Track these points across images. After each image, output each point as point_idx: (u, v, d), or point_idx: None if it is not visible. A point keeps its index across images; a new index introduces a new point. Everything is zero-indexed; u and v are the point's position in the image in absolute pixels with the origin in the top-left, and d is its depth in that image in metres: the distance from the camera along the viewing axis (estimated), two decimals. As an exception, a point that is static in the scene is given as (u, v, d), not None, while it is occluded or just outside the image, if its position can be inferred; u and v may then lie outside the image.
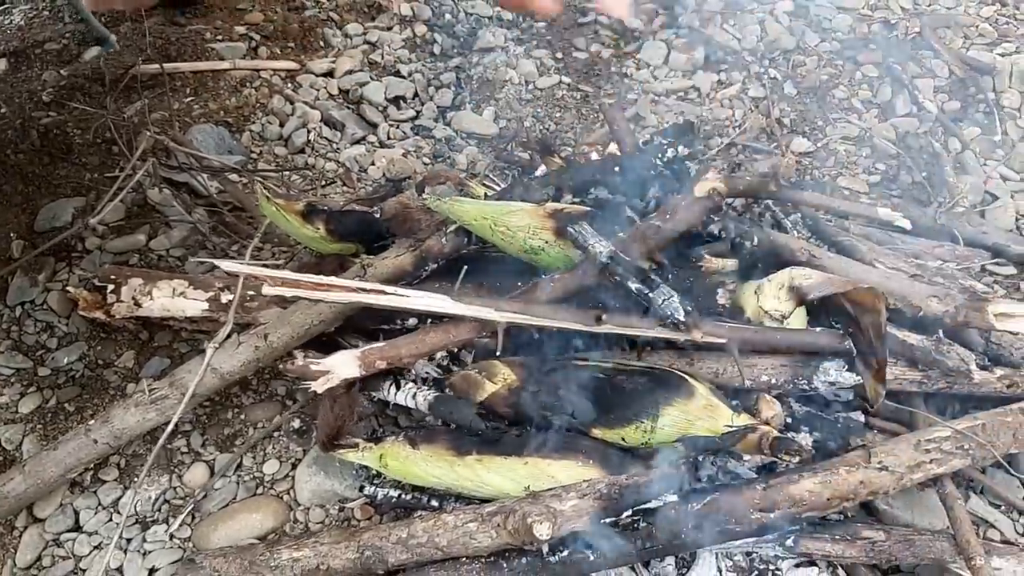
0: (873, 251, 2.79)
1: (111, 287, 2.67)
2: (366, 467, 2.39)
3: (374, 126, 3.97)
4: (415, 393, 2.42)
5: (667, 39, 4.45)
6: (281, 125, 3.86)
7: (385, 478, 2.36)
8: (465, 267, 2.50)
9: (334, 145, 3.84)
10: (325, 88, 4.09)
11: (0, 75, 3.97)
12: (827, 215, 3.06)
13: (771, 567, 2.19)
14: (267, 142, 3.80)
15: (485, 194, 2.82)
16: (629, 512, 2.01)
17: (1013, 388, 2.35)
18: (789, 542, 2.11)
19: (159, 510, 2.48)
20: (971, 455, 2.15)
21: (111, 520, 2.46)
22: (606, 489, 2.01)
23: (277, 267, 2.84)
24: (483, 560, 2.05)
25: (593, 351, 2.43)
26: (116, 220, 3.25)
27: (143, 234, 3.19)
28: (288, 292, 2.17)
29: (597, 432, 2.22)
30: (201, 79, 3.97)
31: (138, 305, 2.64)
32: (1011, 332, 2.33)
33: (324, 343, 2.54)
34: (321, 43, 4.41)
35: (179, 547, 2.38)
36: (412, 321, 2.49)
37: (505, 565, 2.03)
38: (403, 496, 2.33)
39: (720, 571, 2.17)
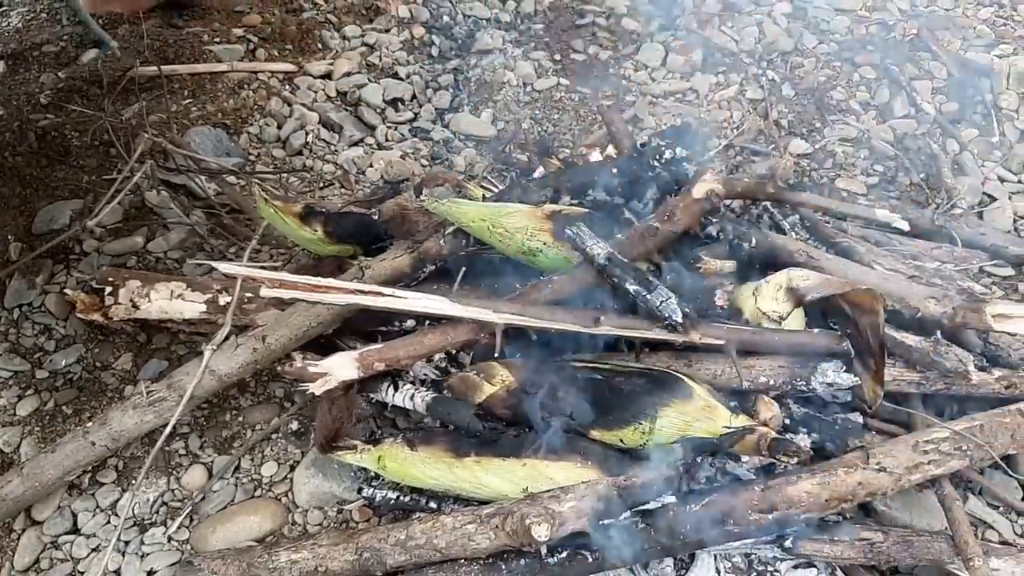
0: (871, 252, 2.80)
1: (109, 289, 2.67)
2: (364, 469, 2.39)
3: (372, 128, 3.97)
4: (413, 395, 2.42)
5: (665, 41, 4.46)
6: (279, 127, 3.87)
7: (383, 480, 2.36)
8: (463, 269, 2.50)
9: (332, 147, 3.84)
10: (323, 90, 4.09)
11: (-2, 77, 3.97)
12: (825, 216, 3.07)
13: (770, 568, 2.19)
14: (265, 144, 3.80)
15: (483, 196, 2.83)
16: (628, 513, 2.01)
17: (1011, 389, 2.35)
18: (788, 543, 2.11)
19: (157, 512, 2.48)
20: (969, 456, 2.15)
21: (109, 522, 2.46)
22: (604, 490, 2.01)
23: (275, 269, 2.84)
24: (481, 562, 2.04)
25: (591, 352, 2.43)
26: (114, 222, 3.25)
27: (141, 236, 3.19)
28: (286, 294, 2.18)
29: (595, 433, 2.22)
30: (199, 81, 3.97)
31: (136, 307, 2.64)
32: (1009, 333, 2.33)
33: (322, 345, 2.54)
34: (319, 45, 4.42)
35: (177, 549, 2.38)
36: (410, 323, 2.49)
37: (504, 567, 2.03)
38: (401, 498, 2.33)
39: (719, 572, 2.17)
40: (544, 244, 2.40)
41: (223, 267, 2.22)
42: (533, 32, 4.64)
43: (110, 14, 4.33)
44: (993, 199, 3.38)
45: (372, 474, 2.39)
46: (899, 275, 2.63)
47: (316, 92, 4.06)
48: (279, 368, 2.49)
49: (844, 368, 2.25)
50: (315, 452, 2.47)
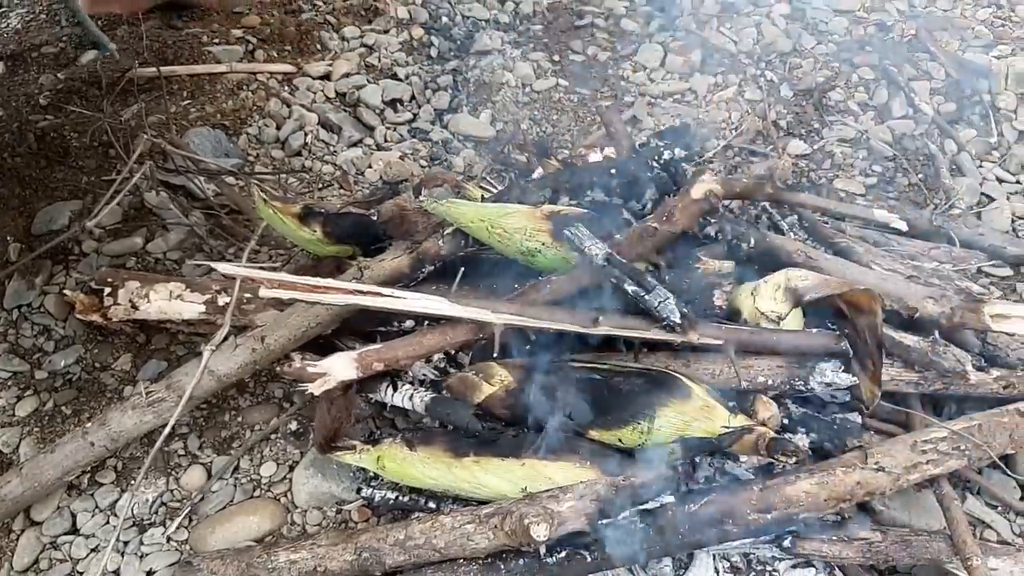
0: (869, 253, 2.80)
1: (108, 290, 2.67)
2: (363, 469, 2.39)
3: (371, 129, 3.98)
4: (412, 395, 2.42)
5: (663, 42, 4.46)
6: (278, 128, 3.87)
7: (382, 480, 2.36)
8: (462, 269, 2.50)
9: (331, 148, 3.84)
10: (322, 91, 4.10)
11: (-3, 78, 3.98)
12: (824, 217, 3.07)
13: (768, 568, 2.19)
14: (264, 145, 3.81)
15: (482, 196, 2.83)
16: (626, 513, 2.01)
17: (1009, 389, 2.36)
18: (786, 543, 2.12)
19: (156, 513, 2.48)
20: (967, 456, 2.15)
21: (108, 523, 2.46)
22: (603, 490, 2.01)
23: (274, 270, 2.84)
24: (480, 561, 2.05)
25: (590, 352, 2.43)
26: (113, 223, 3.25)
27: (140, 237, 3.19)
28: (285, 294, 2.18)
29: (594, 433, 2.22)
30: (198, 82, 3.98)
31: (135, 308, 2.64)
32: (1007, 333, 2.34)
33: (321, 345, 2.54)
34: (318, 46, 4.42)
35: (176, 549, 2.38)
36: (409, 323, 2.49)
37: (503, 566, 2.03)
38: (400, 498, 2.33)
39: (717, 572, 2.17)
40: (543, 244, 2.41)
41: (222, 268, 2.22)
42: (532, 33, 4.65)
43: (109, 15, 4.34)
44: (991, 199, 3.39)
45: (371, 474, 2.39)
46: (897, 275, 2.63)
47: (315, 93, 4.07)
48: (278, 368, 2.50)
49: (842, 368, 2.25)
50: (314, 452, 2.47)
